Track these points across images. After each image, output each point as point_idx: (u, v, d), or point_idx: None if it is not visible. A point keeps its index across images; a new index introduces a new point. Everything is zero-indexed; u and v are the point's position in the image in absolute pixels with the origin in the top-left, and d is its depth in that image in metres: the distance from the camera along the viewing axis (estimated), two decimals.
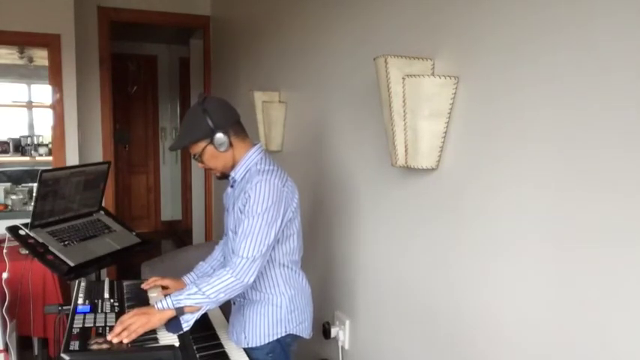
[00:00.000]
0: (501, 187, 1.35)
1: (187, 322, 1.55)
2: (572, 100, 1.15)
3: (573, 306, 1.16)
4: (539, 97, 1.23)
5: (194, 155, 1.70)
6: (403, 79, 1.49)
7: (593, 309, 1.12)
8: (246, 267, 1.55)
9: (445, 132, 1.50)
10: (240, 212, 1.62)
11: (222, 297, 1.56)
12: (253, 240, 1.56)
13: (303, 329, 1.79)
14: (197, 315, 1.56)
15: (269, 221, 1.58)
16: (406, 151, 1.54)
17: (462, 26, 1.47)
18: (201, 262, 1.98)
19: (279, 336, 1.73)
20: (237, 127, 1.70)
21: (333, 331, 2.19)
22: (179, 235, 6.27)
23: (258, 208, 1.57)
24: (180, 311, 1.54)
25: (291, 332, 1.75)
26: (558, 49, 1.18)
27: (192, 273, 1.96)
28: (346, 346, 2.16)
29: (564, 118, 1.17)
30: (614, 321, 1.08)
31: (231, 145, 1.66)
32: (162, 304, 1.54)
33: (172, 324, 1.54)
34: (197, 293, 1.54)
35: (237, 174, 1.71)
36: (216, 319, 1.94)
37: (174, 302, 1.53)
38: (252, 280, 1.57)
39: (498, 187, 1.36)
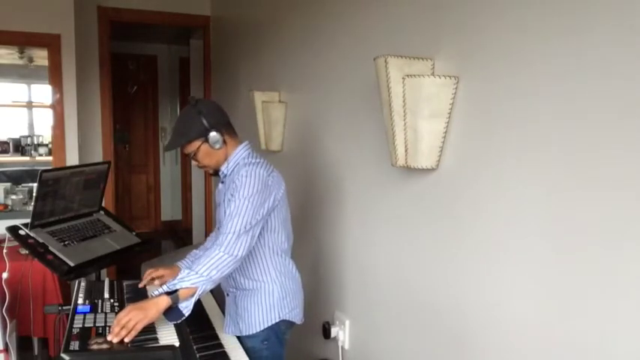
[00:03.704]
0: (501, 186, 1.35)
1: (187, 307, 1.57)
2: (572, 101, 1.15)
3: (574, 305, 1.16)
4: (539, 97, 1.23)
5: (188, 154, 1.79)
6: (403, 79, 1.49)
7: (593, 309, 1.12)
8: (232, 241, 1.60)
9: (445, 132, 1.50)
10: (229, 201, 1.68)
11: (216, 274, 1.58)
12: (239, 217, 1.62)
13: (296, 315, 1.86)
14: (194, 298, 1.58)
15: (255, 203, 1.65)
16: (406, 151, 1.54)
17: (462, 26, 1.47)
18: (194, 250, 2.03)
19: (273, 322, 1.78)
20: (228, 127, 1.80)
21: (333, 331, 2.19)
22: (179, 235, 6.27)
23: (245, 192, 1.65)
24: (175, 299, 1.54)
25: (284, 318, 1.81)
26: (558, 49, 1.18)
27: (186, 259, 1.99)
28: (346, 346, 2.16)
29: (564, 118, 1.17)
30: (614, 320, 1.08)
31: (224, 142, 1.75)
32: (159, 291, 1.56)
33: (172, 313, 1.55)
34: (190, 274, 1.57)
35: (227, 168, 1.78)
36: (217, 318, 1.94)
37: (170, 286, 1.55)
38: (241, 253, 1.61)
39: (498, 186, 1.36)
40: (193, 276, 1.56)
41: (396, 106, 1.51)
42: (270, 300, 1.79)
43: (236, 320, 1.82)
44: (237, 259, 1.61)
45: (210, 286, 1.62)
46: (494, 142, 1.37)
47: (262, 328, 1.78)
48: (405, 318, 1.79)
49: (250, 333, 1.78)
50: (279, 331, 1.82)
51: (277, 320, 1.79)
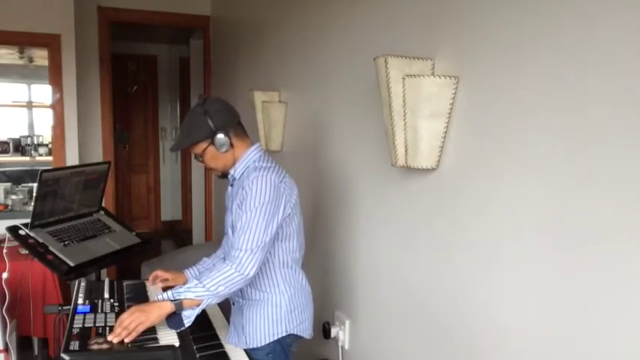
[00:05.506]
0: (501, 187, 1.35)
1: (188, 317, 1.55)
2: (572, 100, 1.15)
3: (573, 306, 1.16)
4: (539, 97, 1.23)
5: (195, 155, 1.73)
6: (403, 79, 1.49)
7: (593, 309, 1.12)
8: (245, 259, 1.56)
9: (445, 132, 1.50)
10: (239, 208, 1.63)
11: (223, 290, 1.55)
12: (252, 233, 1.57)
13: (304, 329, 1.79)
14: (198, 310, 1.56)
15: (267, 215, 1.58)
16: (406, 151, 1.54)
17: (462, 26, 1.47)
18: (204, 258, 1.98)
19: (279, 336, 1.73)
20: (238, 128, 1.72)
21: (333, 331, 2.19)
22: (179, 235, 6.27)
23: (256, 202, 1.58)
24: (179, 306, 1.53)
25: (291, 332, 1.74)
26: (558, 49, 1.18)
27: (194, 267, 1.96)
28: (346, 346, 2.16)
29: (564, 117, 1.17)
30: (613, 321, 1.07)
31: (231, 145, 1.68)
32: (163, 296, 1.54)
33: (173, 320, 1.54)
34: (197, 286, 1.54)
35: (236, 172, 1.72)
36: (216, 319, 1.94)
37: (175, 294, 1.54)
38: (252, 272, 1.57)
39: (498, 187, 1.36)
40: (200, 289, 1.54)
41: (396, 105, 1.51)
42: (277, 312, 1.72)
43: (240, 332, 1.75)
44: (247, 277, 1.57)
45: (216, 301, 1.59)
46: (494, 142, 1.37)
47: (267, 342, 1.72)
48: (405, 318, 1.78)
49: (255, 346, 1.72)
50: (285, 343, 1.76)
51: (284, 334, 1.73)
